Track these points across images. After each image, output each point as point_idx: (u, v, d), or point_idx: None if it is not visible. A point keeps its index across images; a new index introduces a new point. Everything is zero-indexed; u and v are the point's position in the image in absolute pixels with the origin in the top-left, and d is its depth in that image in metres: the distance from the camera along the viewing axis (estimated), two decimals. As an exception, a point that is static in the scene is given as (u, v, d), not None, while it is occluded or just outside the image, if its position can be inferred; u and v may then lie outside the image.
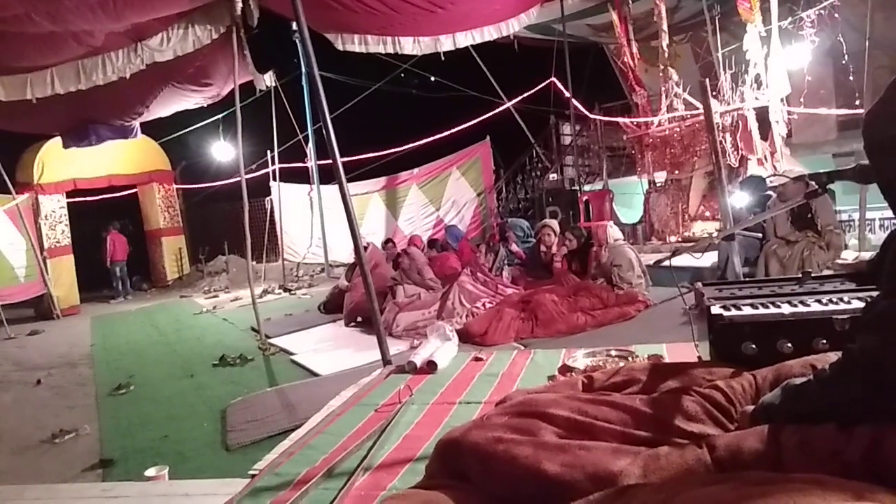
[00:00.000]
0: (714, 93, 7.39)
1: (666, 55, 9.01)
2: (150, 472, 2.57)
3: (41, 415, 5.17)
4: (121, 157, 12.27)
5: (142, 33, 5.84)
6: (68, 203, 11.92)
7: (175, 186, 13.95)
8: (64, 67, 5.82)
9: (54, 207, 11.51)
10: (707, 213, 9.33)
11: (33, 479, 3.67)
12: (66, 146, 9.15)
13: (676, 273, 5.99)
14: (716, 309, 2.00)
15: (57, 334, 9.33)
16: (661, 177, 9.78)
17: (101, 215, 13.39)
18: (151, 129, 10.84)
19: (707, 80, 4.63)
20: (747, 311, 1.97)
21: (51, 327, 9.97)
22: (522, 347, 4.73)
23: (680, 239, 9.09)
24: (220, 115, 12.56)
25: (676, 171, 9.40)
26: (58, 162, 11.31)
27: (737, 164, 7.99)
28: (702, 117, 7.39)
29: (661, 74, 9.07)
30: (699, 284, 2.32)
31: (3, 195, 10.37)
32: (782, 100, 7.77)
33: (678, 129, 9.10)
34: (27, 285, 10.75)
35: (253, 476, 2.14)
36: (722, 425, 1.52)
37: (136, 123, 8.41)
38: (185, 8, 5.96)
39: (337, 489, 1.83)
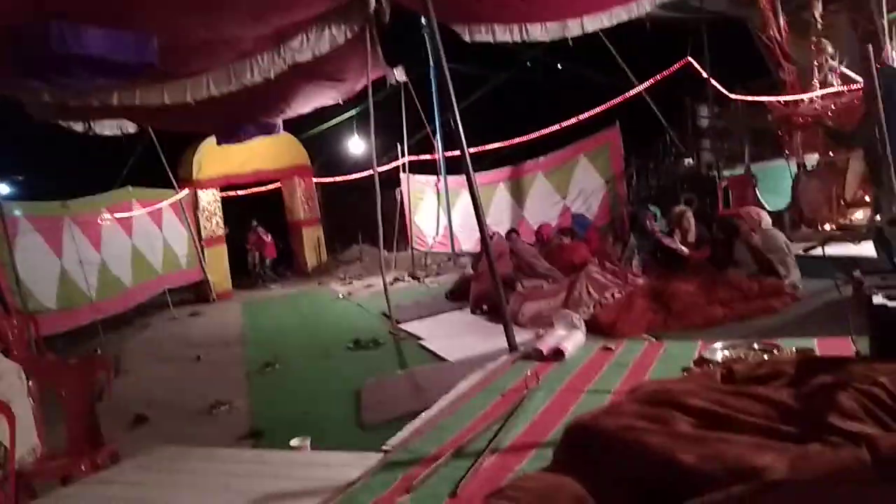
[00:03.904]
0: (878, 65, 6.63)
1: (819, 26, 8.21)
2: (295, 442, 2.77)
3: (200, 388, 5.73)
4: (266, 154, 13.23)
5: (284, 36, 6.26)
6: (221, 197, 13.08)
7: (314, 180, 14.81)
8: (217, 71, 6.37)
9: (210, 200, 12.68)
10: (867, 198, 8.41)
11: (196, 443, 4.08)
12: (219, 143, 10.01)
13: (830, 265, 5.47)
14: (879, 299, 1.80)
15: (213, 316, 10.28)
16: (812, 159, 8.96)
17: (249, 208, 14.55)
18: (292, 125, 11.58)
19: (871, 46, 4.15)
20: (917, 301, 1.76)
21: (208, 310, 11.00)
22: (654, 339, 4.54)
23: (834, 227, 8.28)
24: (353, 111, 13.16)
25: (831, 153, 8.56)
26: (212, 159, 12.44)
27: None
28: (861, 92, 6.66)
29: (812, 48, 8.29)
30: (858, 272, 2.10)
31: (168, 190, 11.56)
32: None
33: (832, 107, 8.28)
34: (188, 271, 11.95)
35: (386, 451, 2.24)
36: (885, 426, 1.38)
37: (279, 120, 9.02)
38: (322, 9, 6.30)
39: (465, 468, 1.87)
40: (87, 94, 6.13)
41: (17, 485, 2.81)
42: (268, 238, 14.06)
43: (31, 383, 3.27)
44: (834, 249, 6.87)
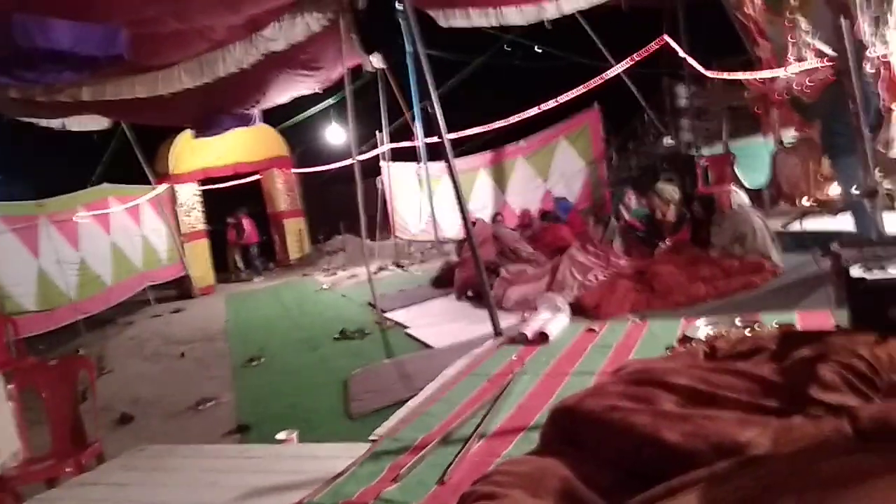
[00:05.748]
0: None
1: (793, 2, 8.24)
2: (281, 435, 2.75)
3: (186, 384, 5.69)
4: (244, 146, 13.08)
5: (257, 25, 6.15)
6: (200, 191, 12.91)
7: (294, 171, 14.66)
8: (189, 63, 6.25)
9: (188, 195, 12.51)
10: (844, 173, 8.50)
11: (182, 441, 4.06)
12: (196, 136, 9.86)
13: (809, 239, 5.53)
14: (856, 271, 1.82)
15: (196, 311, 10.19)
16: (789, 136, 9.03)
17: (229, 201, 14.38)
18: (270, 116, 11.43)
19: (846, 19, 4.13)
20: (894, 272, 1.78)
21: (190, 305, 10.90)
22: (638, 319, 4.57)
23: (812, 202, 8.38)
24: (331, 100, 13.02)
25: (807, 129, 8.63)
26: (190, 153, 12.26)
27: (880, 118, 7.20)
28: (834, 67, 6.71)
29: (787, 24, 8.32)
30: (836, 244, 2.12)
31: (145, 186, 11.40)
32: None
33: (807, 82, 8.33)
34: (169, 267, 11.82)
35: (374, 441, 2.23)
36: (864, 396, 1.39)
37: (255, 111, 8.90)
38: (296, -3, 6.20)
39: (453, 454, 1.87)
40: (56, 89, 5.99)
41: (1, 489, 2.77)
42: (249, 226, 13.90)
43: (11, 386, 3.22)
44: (812, 224, 6.96)
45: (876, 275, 1.79)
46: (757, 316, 2.81)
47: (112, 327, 9.51)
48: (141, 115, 8.65)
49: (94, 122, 8.62)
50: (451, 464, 1.81)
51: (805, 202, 8.47)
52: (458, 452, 1.88)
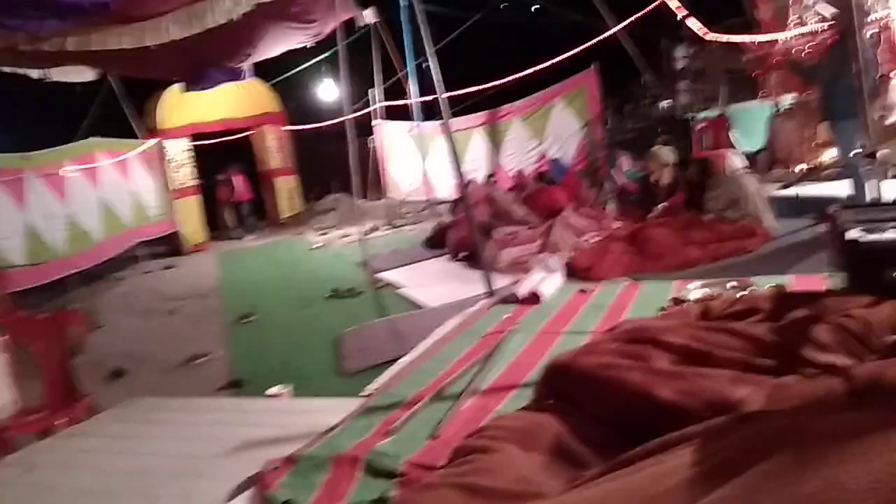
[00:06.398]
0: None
1: (796, -39, 8.07)
2: (273, 390, 2.76)
3: (178, 340, 5.69)
4: (236, 102, 12.82)
5: (247, -26, 5.97)
6: (190, 146, 12.70)
7: (285, 128, 14.43)
8: (178, 13, 6.06)
9: (178, 151, 12.30)
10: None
11: (174, 395, 4.07)
12: (187, 90, 9.63)
13: (803, 204, 5.53)
14: (852, 233, 1.82)
15: (187, 268, 10.14)
16: (787, 100, 8.95)
17: (220, 158, 14.18)
18: (262, 71, 11.19)
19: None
20: (891, 235, 1.78)
21: (182, 262, 10.84)
22: (631, 281, 4.58)
23: (807, 167, 8.36)
24: (324, 55, 12.72)
25: (806, 93, 8.55)
26: (179, 108, 12.02)
27: (877, 83, 7.14)
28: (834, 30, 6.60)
29: (789, -15, 8.16)
30: (833, 207, 2.11)
31: (133, 140, 11.22)
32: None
33: (807, 47, 8.22)
34: (159, 223, 11.72)
35: (367, 396, 2.25)
36: (858, 356, 1.40)
37: (245, 66, 8.69)
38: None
39: (445, 410, 1.88)
40: (40, 37, 5.80)
41: (-7, 440, 2.78)
42: (240, 183, 13.77)
43: (3, 338, 3.20)
44: (807, 189, 6.97)
45: (873, 237, 1.79)
46: (750, 280, 2.82)
47: (102, 283, 9.46)
48: (128, 67, 8.43)
49: (80, 74, 8.41)
50: (443, 419, 1.82)
51: (800, 167, 8.45)
52: (450, 408, 1.89)
